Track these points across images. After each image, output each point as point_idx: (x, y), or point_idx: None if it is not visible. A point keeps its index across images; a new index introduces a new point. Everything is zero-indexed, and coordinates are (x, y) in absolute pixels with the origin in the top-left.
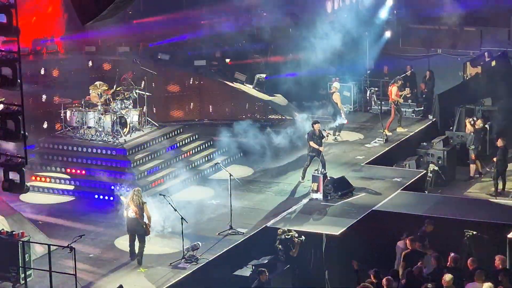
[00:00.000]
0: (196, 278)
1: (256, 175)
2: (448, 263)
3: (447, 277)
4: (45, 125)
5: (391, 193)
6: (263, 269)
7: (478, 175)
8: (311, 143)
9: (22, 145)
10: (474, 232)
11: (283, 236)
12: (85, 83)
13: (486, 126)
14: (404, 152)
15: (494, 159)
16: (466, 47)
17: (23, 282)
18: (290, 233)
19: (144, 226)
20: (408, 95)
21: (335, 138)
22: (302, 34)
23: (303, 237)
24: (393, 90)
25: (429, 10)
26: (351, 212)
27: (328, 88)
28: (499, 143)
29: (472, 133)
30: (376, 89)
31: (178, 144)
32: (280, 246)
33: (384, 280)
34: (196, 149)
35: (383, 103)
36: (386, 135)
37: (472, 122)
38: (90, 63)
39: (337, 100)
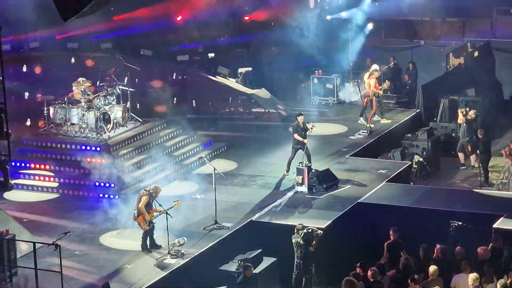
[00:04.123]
0: (181, 273)
1: (240, 168)
2: (435, 254)
3: (431, 268)
4: (28, 123)
5: (376, 185)
6: (248, 264)
7: (463, 167)
8: (295, 136)
9: (6, 143)
10: (460, 223)
11: (303, 231)
12: (68, 80)
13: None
14: (389, 144)
15: (478, 151)
16: (449, 38)
17: (9, 280)
18: (310, 228)
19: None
20: (387, 88)
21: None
22: (284, 27)
23: (320, 232)
24: (371, 82)
25: (411, 1)
26: (336, 205)
27: (311, 80)
28: (478, 134)
29: (464, 124)
30: (359, 80)
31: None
32: (301, 241)
33: (368, 272)
34: (179, 144)
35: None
36: (369, 127)
37: (464, 113)
38: (73, 60)
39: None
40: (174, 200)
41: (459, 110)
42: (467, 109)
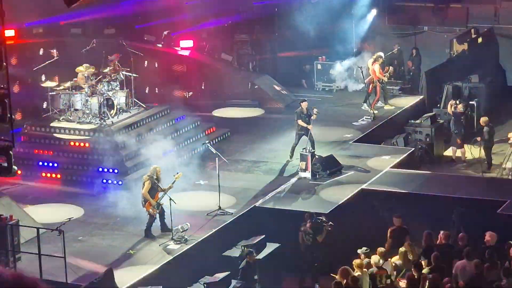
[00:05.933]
0: (185, 259)
1: (244, 154)
2: (439, 241)
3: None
4: (31, 109)
5: (380, 171)
6: (251, 250)
7: (464, 163)
8: (299, 122)
9: (9, 128)
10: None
11: (313, 221)
12: (72, 66)
13: (467, 111)
14: (392, 130)
15: (478, 138)
16: (453, 24)
17: (12, 265)
18: (320, 218)
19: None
20: (391, 73)
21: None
22: (288, 12)
23: (331, 223)
24: (375, 68)
25: None
26: (339, 191)
27: (315, 66)
28: (481, 122)
29: (452, 117)
30: (362, 66)
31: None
32: (310, 230)
33: (372, 259)
34: (183, 129)
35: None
36: (373, 113)
37: (454, 106)
38: (75, 46)
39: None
40: (173, 174)
41: (449, 103)
42: (457, 102)
